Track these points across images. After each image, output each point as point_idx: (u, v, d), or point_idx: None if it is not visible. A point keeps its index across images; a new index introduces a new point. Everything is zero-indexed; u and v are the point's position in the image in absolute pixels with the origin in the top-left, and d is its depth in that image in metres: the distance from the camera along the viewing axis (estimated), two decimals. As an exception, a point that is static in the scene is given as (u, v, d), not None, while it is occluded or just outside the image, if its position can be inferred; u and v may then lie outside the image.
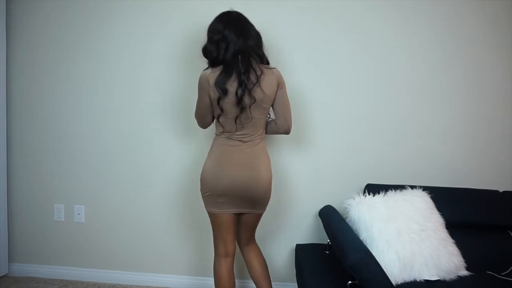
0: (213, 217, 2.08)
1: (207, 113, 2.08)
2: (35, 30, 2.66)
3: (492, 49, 2.49)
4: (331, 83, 2.56)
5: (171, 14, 2.57)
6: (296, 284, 2.27)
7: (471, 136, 2.54)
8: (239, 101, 1.93)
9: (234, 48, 1.93)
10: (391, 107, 2.55)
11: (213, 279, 2.14)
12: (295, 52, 2.52)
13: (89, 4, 2.61)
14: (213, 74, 1.96)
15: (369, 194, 2.19)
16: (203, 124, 2.17)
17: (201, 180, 2.08)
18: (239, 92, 1.92)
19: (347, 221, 2.13)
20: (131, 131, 2.67)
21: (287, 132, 2.18)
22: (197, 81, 2.05)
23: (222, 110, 1.98)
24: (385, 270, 1.68)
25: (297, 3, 2.51)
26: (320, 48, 2.53)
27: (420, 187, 2.28)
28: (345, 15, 2.51)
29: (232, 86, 1.93)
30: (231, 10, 2.05)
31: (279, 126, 2.15)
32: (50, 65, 2.67)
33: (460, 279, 2.04)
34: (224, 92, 1.93)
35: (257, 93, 1.96)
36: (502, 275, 2.14)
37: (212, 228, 2.12)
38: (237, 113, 1.97)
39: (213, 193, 2.02)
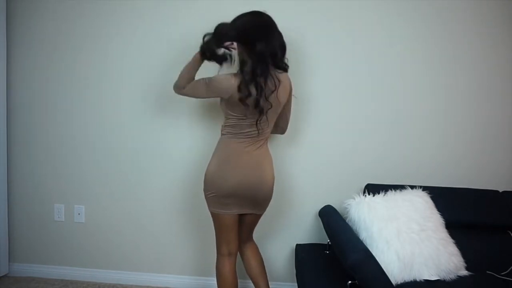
0: (217, 217, 2.06)
1: (202, 93, 2.05)
2: (35, 29, 2.66)
3: (492, 49, 2.49)
4: (331, 84, 2.55)
5: (172, 13, 2.57)
6: (296, 284, 2.27)
7: (471, 136, 2.54)
8: (257, 105, 1.94)
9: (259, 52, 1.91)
10: (391, 107, 2.54)
11: (213, 278, 2.14)
12: (294, 52, 2.52)
13: (89, 4, 2.61)
14: (236, 78, 1.95)
15: (369, 194, 2.19)
16: (184, 84, 2.06)
17: (206, 181, 2.05)
18: (257, 96, 1.93)
19: (347, 221, 2.14)
20: (132, 131, 2.67)
21: (284, 132, 2.30)
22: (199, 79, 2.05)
23: (244, 109, 1.96)
24: (385, 270, 1.68)
25: (297, 4, 2.51)
26: (319, 48, 2.53)
27: (420, 187, 2.28)
28: (344, 16, 2.51)
29: (252, 89, 1.93)
30: (263, 11, 2.02)
31: (279, 128, 2.23)
32: (50, 65, 2.67)
33: (460, 279, 2.05)
34: (248, 95, 1.92)
35: (273, 99, 1.99)
36: (502, 275, 2.14)
37: (216, 229, 2.10)
38: (256, 117, 1.98)
39: (219, 193, 2.00)
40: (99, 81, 2.66)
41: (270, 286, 2.25)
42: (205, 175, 2.06)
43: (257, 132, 2.02)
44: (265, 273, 2.25)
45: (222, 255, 2.10)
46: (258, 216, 2.18)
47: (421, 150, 2.55)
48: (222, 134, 2.08)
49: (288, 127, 2.30)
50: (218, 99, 2.10)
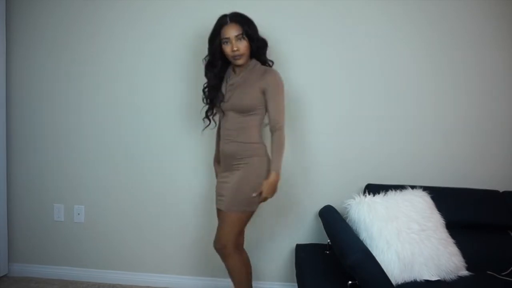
0: (249, 215, 2.12)
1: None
2: (35, 29, 2.66)
3: (493, 49, 2.49)
4: (332, 83, 2.55)
5: (174, 13, 2.57)
6: (296, 284, 2.27)
7: (471, 136, 2.54)
8: None
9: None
10: (391, 107, 2.54)
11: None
12: (295, 51, 2.52)
13: (89, 4, 2.61)
14: None
15: (369, 194, 2.18)
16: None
17: (259, 182, 2.07)
18: None
19: (347, 221, 2.13)
20: (131, 130, 2.67)
21: None
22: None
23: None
24: (385, 270, 1.68)
25: (300, 2, 2.51)
26: (321, 48, 2.53)
27: (420, 187, 2.28)
28: (348, 14, 2.51)
29: None
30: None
31: None
32: (50, 64, 2.67)
33: (460, 279, 2.04)
34: None
35: None
36: (502, 275, 2.14)
37: (240, 226, 2.13)
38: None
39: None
40: (98, 81, 2.66)
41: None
42: (259, 176, 2.08)
43: None
44: None
45: (241, 244, 2.22)
46: None
47: (421, 150, 2.55)
48: (258, 143, 2.12)
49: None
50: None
